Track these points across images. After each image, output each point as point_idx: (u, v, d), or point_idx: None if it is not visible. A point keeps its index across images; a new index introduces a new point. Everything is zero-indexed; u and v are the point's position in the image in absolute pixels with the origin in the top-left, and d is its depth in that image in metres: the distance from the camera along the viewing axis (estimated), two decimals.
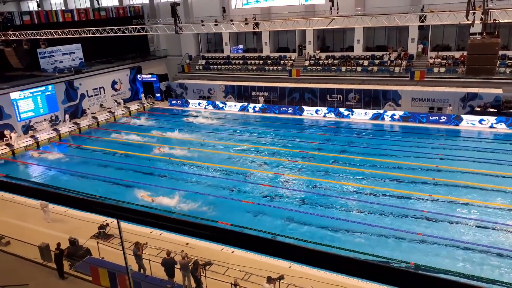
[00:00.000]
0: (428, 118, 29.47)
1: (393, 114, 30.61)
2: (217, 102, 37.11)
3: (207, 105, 37.38)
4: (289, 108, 34.27)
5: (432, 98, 30.57)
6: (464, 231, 16.05)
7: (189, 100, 38.37)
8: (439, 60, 32.89)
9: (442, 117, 29.04)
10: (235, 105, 36.39)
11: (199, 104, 37.82)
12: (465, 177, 20.39)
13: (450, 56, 32.86)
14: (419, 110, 30.59)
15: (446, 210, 17.55)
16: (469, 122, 28.29)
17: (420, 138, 26.69)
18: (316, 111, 33.14)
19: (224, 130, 31.34)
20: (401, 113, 30.38)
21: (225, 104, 36.74)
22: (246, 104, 36.02)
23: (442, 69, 32.18)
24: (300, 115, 33.65)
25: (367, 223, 16.81)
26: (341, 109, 32.28)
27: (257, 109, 35.38)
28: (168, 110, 37.90)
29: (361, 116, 31.60)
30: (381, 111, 31.16)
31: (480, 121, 27.96)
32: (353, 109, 31.89)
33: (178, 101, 38.80)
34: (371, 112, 31.41)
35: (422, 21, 22.39)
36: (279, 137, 28.85)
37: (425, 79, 32.01)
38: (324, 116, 32.76)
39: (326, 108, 32.92)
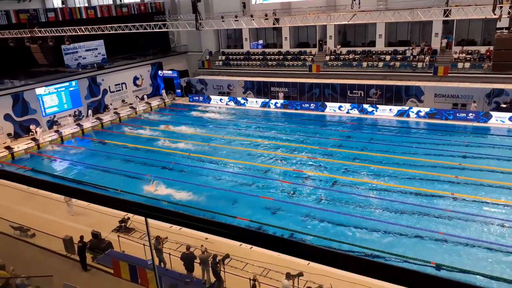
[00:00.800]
0: (455, 115, 28.65)
1: (419, 111, 29.85)
2: (239, 98, 37.14)
3: (229, 101, 37.47)
4: (311, 104, 33.93)
5: (456, 94, 29.84)
6: (487, 231, 15.67)
7: (210, 96, 38.53)
8: (463, 55, 32.06)
9: (470, 114, 28.15)
10: (256, 101, 36.33)
11: (220, 100, 37.93)
12: (489, 176, 19.87)
13: (475, 51, 31.98)
14: (442, 107, 29.90)
15: (469, 209, 17.18)
16: (499, 119, 27.31)
17: (445, 135, 26.04)
18: (339, 107, 32.73)
19: (245, 126, 31.40)
20: (427, 109, 29.60)
21: (247, 100, 36.75)
22: (267, 100, 35.94)
23: (467, 65, 31.37)
24: (323, 111, 33.31)
25: (388, 221, 16.60)
26: (365, 105, 31.77)
27: (278, 105, 35.22)
28: (189, 106, 38.19)
29: (386, 113, 31.03)
30: (406, 108, 30.50)
31: (510, 118, 26.93)
32: (377, 106, 31.38)
33: (200, 97, 38.99)
34: (396, 108, 30.78)
35: (447, 16, 21.84)
36: (300, 133, 28.70)
37: (449, 74, 31.27)
38: (348, 112, 32.33)
39: (350, 104, 32.46)
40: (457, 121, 28.32)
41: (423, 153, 23.21)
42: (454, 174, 20.35)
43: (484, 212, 16.89)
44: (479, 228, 15.88)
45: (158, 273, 12.46)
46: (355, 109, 32.07)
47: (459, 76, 31.11)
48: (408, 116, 30.23)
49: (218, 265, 12.27)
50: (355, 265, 2.73)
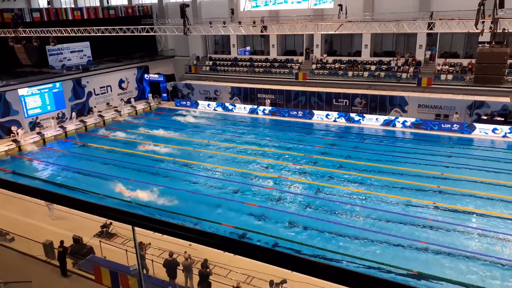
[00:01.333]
0: (440, 125, 29.17)
1: (405, 121, 30.33)
2: (227, 104, 37.14)
3: (217, 107, 37.41)
4: (299, 112, 34.13)
5: (438, 105, 30.42)
6: (468, 240, 15.96)
7: (198, 101, 38.41)
8: (446, 67, 32.76)
9: (455, 125, 28.68)
10: (244, 107, 36.38)
11: (208, 105, 37.83)
12: (471, 186, 20.24)
13: (458, 63, 32.71)
14: (425, 117, 30.44)
15: (451, 218, 17.46)
16: (482, 131, 27.88)
17: (429, 145, 26.46)
18: (327, 116, 33.01)
19: (231, 132, 31.37)
20: (413, 119, 30.11)
21: (235, 106, 36.77)
22: (255, 106, 36.04)
23: (450, 76, 32.04)
24: (310, 119, 33.54)
25: (370, 230, 16.75)
26: (352, 114, 32.12)
27: (266, 111, 35.31)
28: (175, 110, 38.00)
29: (372, 122, 31.40)
30: (393, 117, 30.97)
31: (494, 130, 27.55)
32: (364, 115, 31.75)
33: (187, 102, 38.84)
34: (382, 118, 31.21)
35: (431, 29, 22.30)
36: (286, 140, 28.77)
37: (432, 85, 31.89)
38: (334, 120, 32.60)
39: (337, 113, 32.79)
40: (441, 132, 28.83)
41: (406, 162, 23.52)
42: (437, 184, 20.69)
43: (465, 222, 17.19)
44: (461, 237, 16.14)
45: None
46: (342, 118, 32.36)
47: (442, 88, 31.75)
48: (394, 125, 30.66)
49: (210, 271, 12.18)
50: (336, 275, 2.78)
